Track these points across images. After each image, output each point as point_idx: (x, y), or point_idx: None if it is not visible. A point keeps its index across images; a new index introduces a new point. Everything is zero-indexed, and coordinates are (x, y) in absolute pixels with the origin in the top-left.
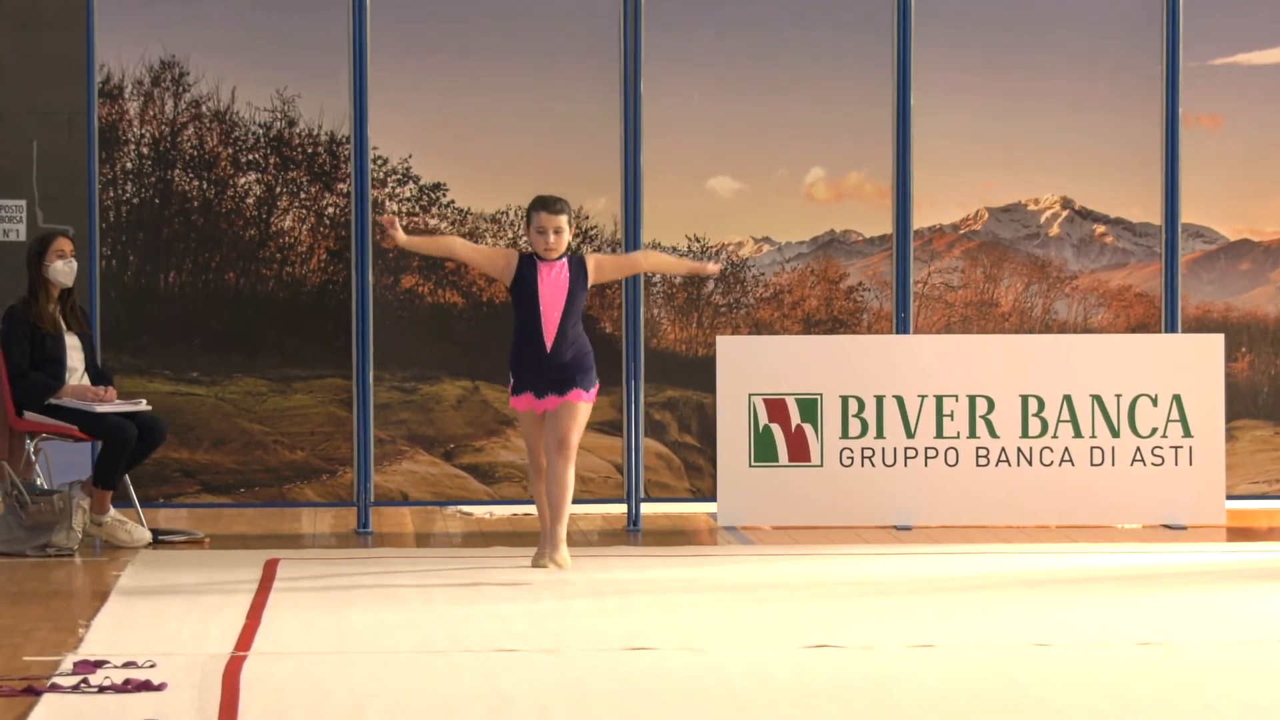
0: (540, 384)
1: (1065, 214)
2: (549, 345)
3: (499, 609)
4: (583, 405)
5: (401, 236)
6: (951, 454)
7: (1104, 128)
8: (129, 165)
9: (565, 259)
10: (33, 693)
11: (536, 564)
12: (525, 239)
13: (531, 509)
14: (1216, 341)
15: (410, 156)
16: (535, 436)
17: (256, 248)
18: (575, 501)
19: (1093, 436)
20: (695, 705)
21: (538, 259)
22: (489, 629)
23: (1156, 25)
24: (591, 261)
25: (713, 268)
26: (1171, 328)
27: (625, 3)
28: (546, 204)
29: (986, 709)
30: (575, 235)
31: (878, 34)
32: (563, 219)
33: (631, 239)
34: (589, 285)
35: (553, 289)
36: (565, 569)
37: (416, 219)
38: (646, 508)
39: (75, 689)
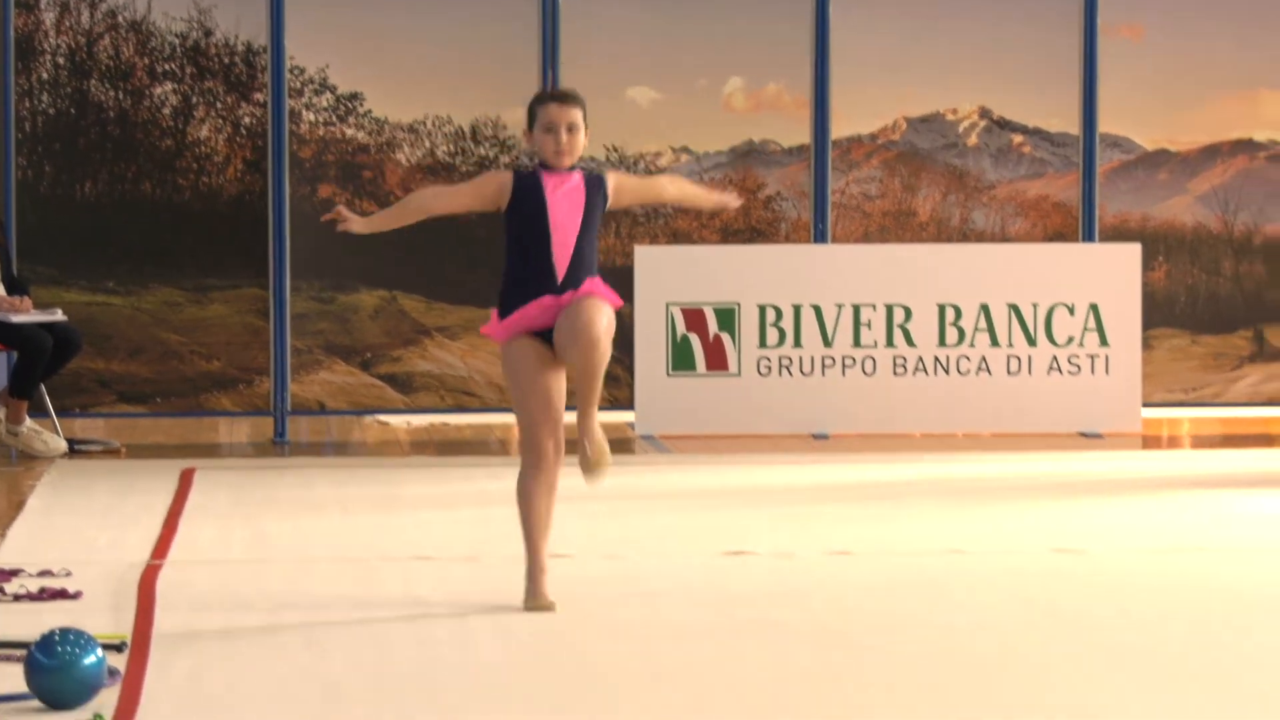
0: (528, 297)
1: (983, 124)
2: (560, 274)
3: (417, 517)
4: (606, 305)
5: (358, 222)
6: (869, 363)
7: (1023, 38)
8: (44, 76)
9: (579, 171)
10: None
11: (530, 606)
12: (521, 156)
13: (454, 419)
14: (1133, 251)
15: (327, 66)
16: (536, 380)
17: (173, 158)
18: (480, 410)
19: (1009, 345)
20: (614, 610)
21: (543, 170)
22: (407, 538)
23: None
24: (613, 180)
25: (736, 201)
26: (1089, 237)
27: None
28: (557, 95)
29: (904, 615)
30: (494, 145)
31: None
32: (577, 113)
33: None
34: (612, 205)
35: (566, 205)
36: (605, 462)
37: (333, 128)
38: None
39: None
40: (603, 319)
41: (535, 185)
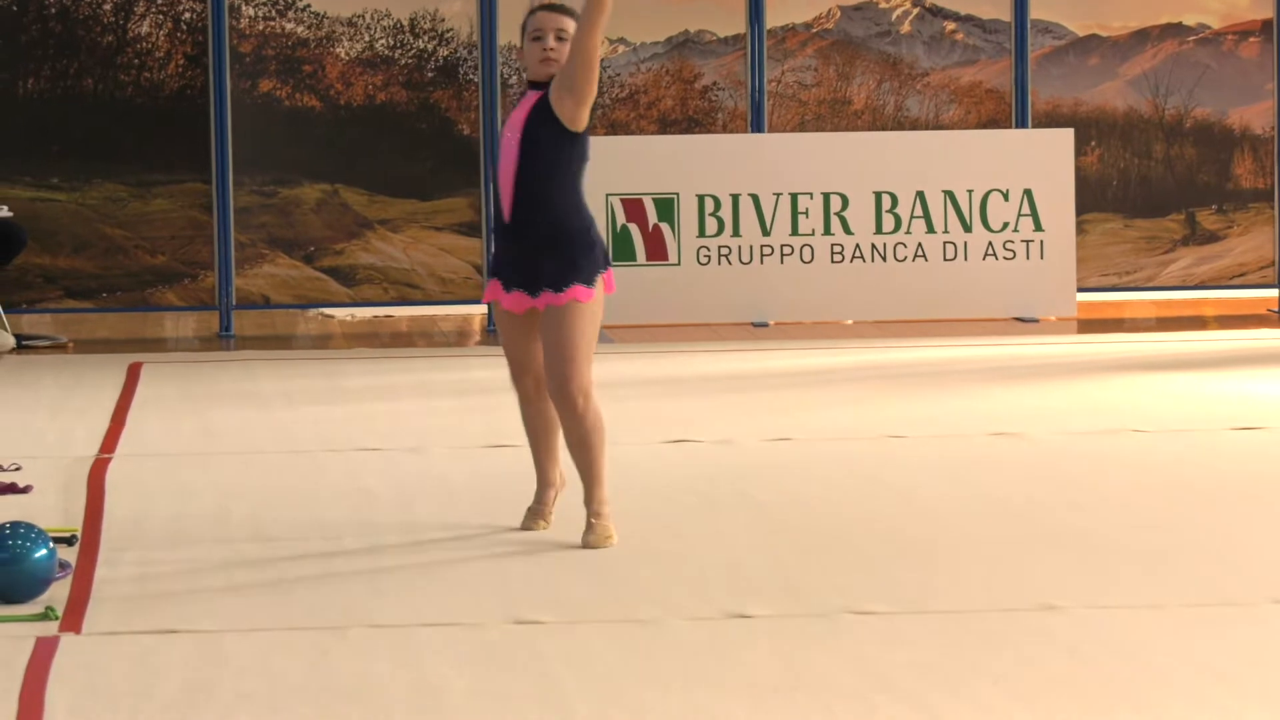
0: (506, 274)
1: (916, 11)
2: (507, 212)
3: (362, 409)
4: (571, 309)
5: None
6: (807, 251)
7: None
8: None
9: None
10: None
11: (526, 525)
12: (460, 49)
13: (397, 311)
14: (1066, 136)
15: None
16: (509, 344)
17: (114, 54)
18: (423, 304)
19: (945, 232)
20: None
21: (529, 89)
22: (352, 429)
23: None
24: (553, 81)
25: None
26: (1021, 123)
27: None
28: (546, 5)
29: (844, 499)
30: (432, 38)
31: None
32: (569, 21)
33: (486, 41)
34: (556, 113)
35: (511, 126)
36: (609, 544)
37: (273, 23)
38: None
39: None
40: (571, 363)
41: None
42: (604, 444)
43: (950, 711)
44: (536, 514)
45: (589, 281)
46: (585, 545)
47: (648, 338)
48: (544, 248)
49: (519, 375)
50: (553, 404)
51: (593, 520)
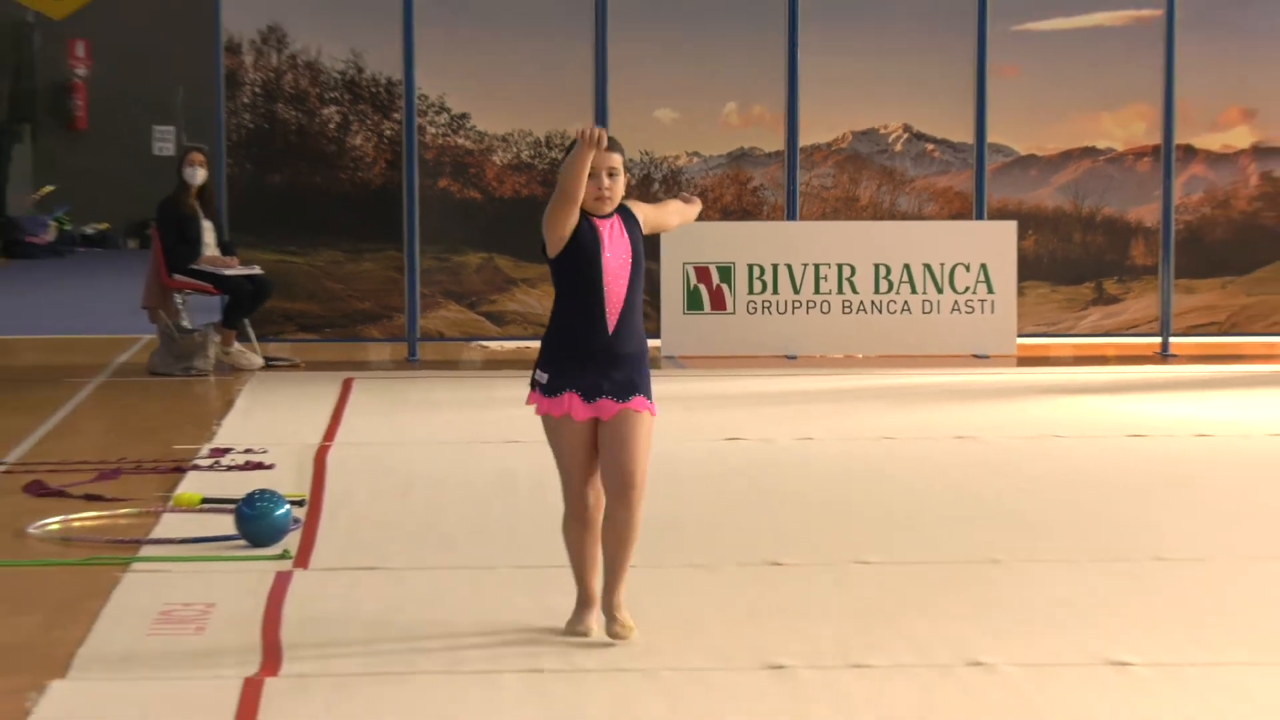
0: (591, 383)
1: (905, 135)
2: (611, 326)
3: (507, 413)
4: (647, 417)
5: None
6: (825, 305)
7: (933, 75)
8: (246, 100)
9: (616, 215)
10: (180, 470)
11: (572, 631)
12: None
13: (533, 344)
14: (1011, 226)
15: (444, 94)
16: (582, 456)
17: (336, 159)
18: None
19: (924, 293)
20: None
21: (589, 217)
22: (500, 427)
23: (974, 4)
24: (640, 211)
25: (698, 205)
26: (980, 216)
27: None
28: (608, 142)
29: (850, 481)
30: (562, 150)
31: (774, 10)
32: (618, 159)
33: None
34: (643, 226)
35: (617, 251)
36: (630, 635)
37: (448, 138)
38: None
39: (210, 468)
40: (643, 466)
41: (591, 229)
42: (633, 546)
43: (921, 631)
44: (583, 625)
45: (650, 395)
46: (613, 636)
47: (710, 365)
48: (636, 359)
49: (581, 484)
50: (614, 501)
51: (617, 615)
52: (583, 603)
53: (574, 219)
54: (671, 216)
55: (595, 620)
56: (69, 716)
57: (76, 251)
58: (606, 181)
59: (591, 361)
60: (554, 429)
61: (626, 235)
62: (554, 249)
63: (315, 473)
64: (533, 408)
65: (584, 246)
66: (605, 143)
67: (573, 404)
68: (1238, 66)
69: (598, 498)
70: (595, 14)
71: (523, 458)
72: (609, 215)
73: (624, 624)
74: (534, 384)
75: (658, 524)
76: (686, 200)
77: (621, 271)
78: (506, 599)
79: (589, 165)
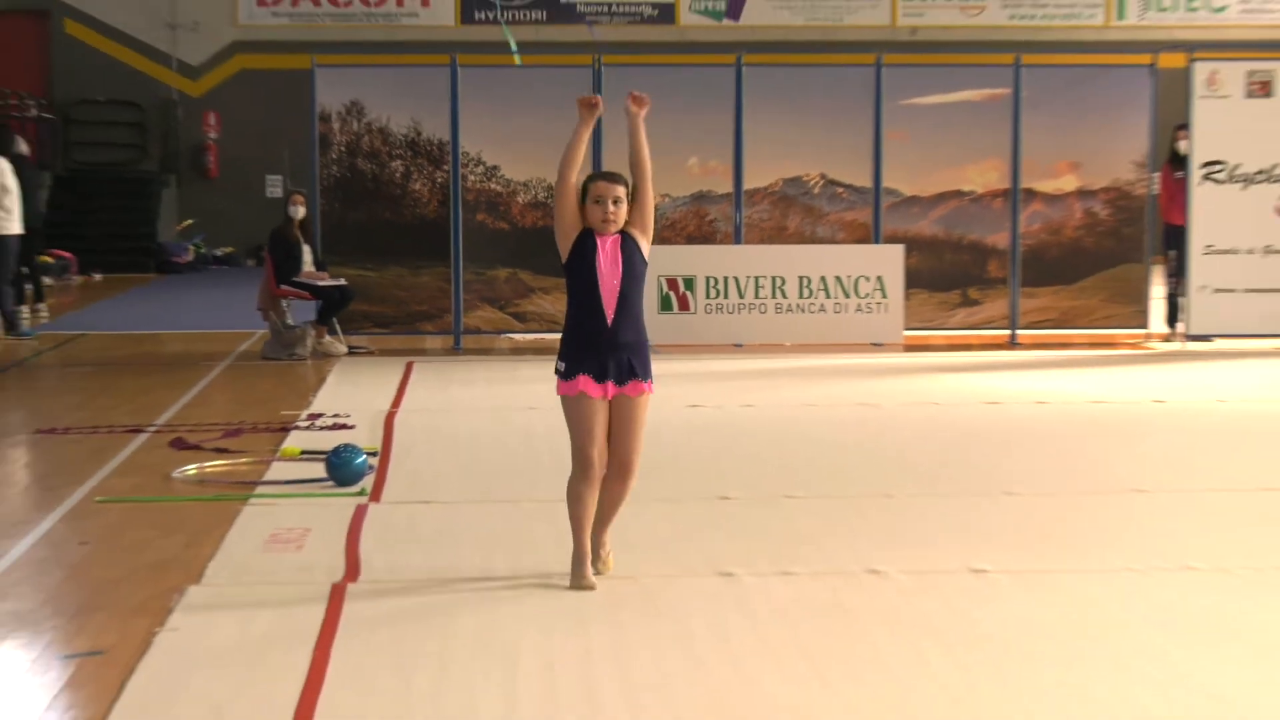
0: (598, 367)
1: (822, 182)
2: (609, 318)
3: (527, 388)
4: (644, 400)
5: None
6: (763, 306)
7: (844, 137)
8: (334, 156)
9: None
10: (285, 430)
11: (579, 586)
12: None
13: (548, 336)
14: (899, 249)
15: (481, 151)
16: (592, 425)
17: (400, 200)
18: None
19: (835, 297)
20: None
21: (595, 234)
22: (523, 398)
23: (872, 85)
24: (640, 235)
25: (636, 107)
26: (876, 241)
27: (594, 74)
28: (605, 174)
29: (783, 437)
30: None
31: (725, 91)
32: (621, 189)
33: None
34: (641, 250)
35: (611, 258)
36: (608, 570)
37: (484, 184)
38: None
39: (307, 428)
40: (640, 446)
41: (589, 242)
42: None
43: (832, 547)
44: (584, 579)
45: (647, 379)
46: (598, 574)
47: (678, 352)
48: (634, 347)
49: (592, 447)
50: (616, 468)
51: (600, 552)
52: (579, 558)
53: (571, 199)
54: (640, 174)
55: (590, 570)
56: (202, 612)
57: (209, 268)
58: (611, 207)
59: (596, 349)
60: (570, 406)
61: (621, 249)
62: (563, 247)
63: (385, 431)
64: (557, 391)
65: (584, 256)
66: (599, 105)
67: (586, 384)
68: (1065, 132)
69: (603, 464)
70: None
71: (540, 420)
72: (611, 235)
73: (605, 562)
74: (557, 373)
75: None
76: (634, 109)
77: (613, 275)
78: (528, 525)
79: (587, 132)
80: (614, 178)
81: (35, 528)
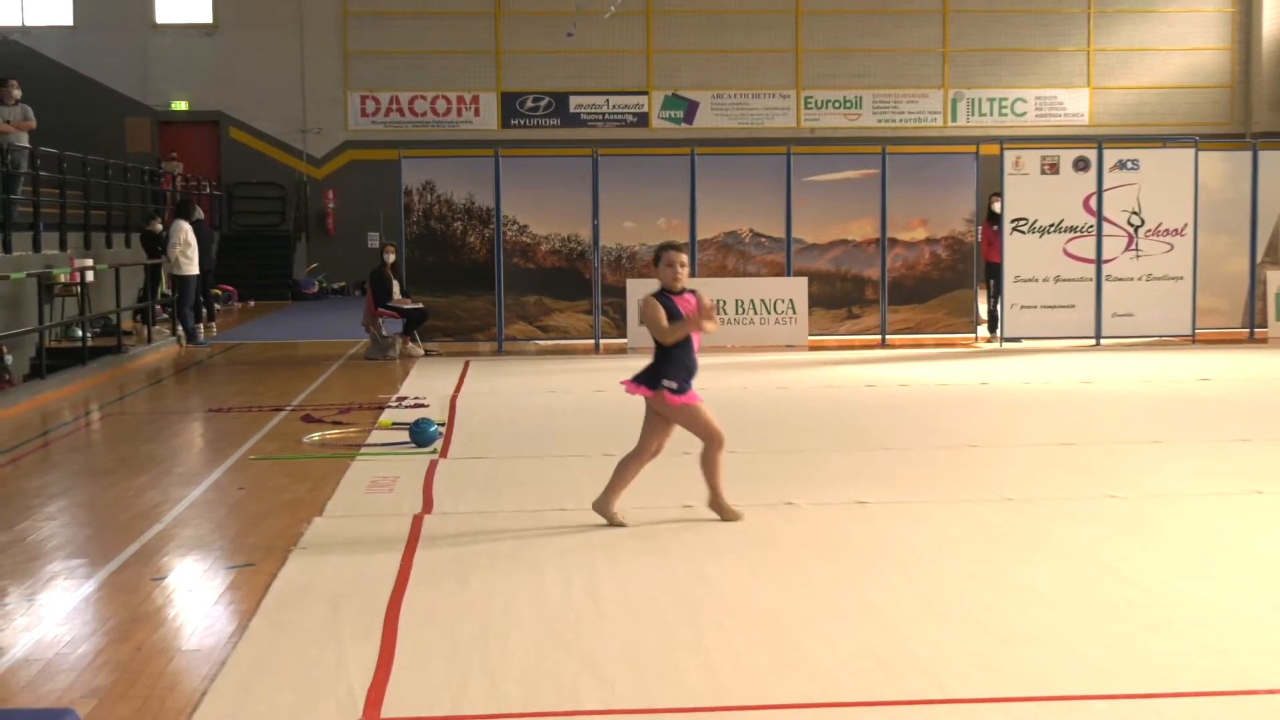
0: (690, 385)
1: (751, 233)
2: (696, 355)
3: (550, 378)
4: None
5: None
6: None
7: (765, 203)
8: (414, 219)
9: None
10: (381, 408)
11: (731, 517)
12: (586, 251)
13: (563, 343)
14: (804, 280)
15: (517, 215)
16: (710, 415)
17: (459, 248)
18: (572, 339)
19: (761, 314)
20: (609, 401)
21: (668, 292)
22: (548, 385)
23: (784, 168)
24: (699, 293)
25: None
26: (789, 275)
27: (593, 161)
28: (675, 245)
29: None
30: (577, 244)
31: (683, 172)
32: (685, 256)
33: (596, 246)
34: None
35: (689, 311)
36: (740, 517)
37: (519, 238)
38: (603, 342)
39: (396, 406)
40: (718, 432)
41: (670, 302)
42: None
43: (756, 487)
44: (607, 506)
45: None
46: (733, 519)
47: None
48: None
49: (719, 425)
50: (708, 445)
51: (727, 505)
52: (721, 501)
53: (662, 317)
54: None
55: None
56: (326, 536)
57: (328, 297)
58: (680, 271)
59: (691, 375)
60: (692, 410)
61: (696, 304)
62: (664, 339)
63: (450, 409)
64: (671, 401)
65: (675, 317)
66: (711, 324)
67: (693, 395)
68: (917, 199)
69: (658, 450)
70: (592, 176)
71: (561, 400)
72: (681, 292)
73: (733, 511)
74: (665, 388)
75: (615, 436)
76: (707, 310)
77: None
78: (550, 474)
79: (683, 334)
80: (680, 248)
81: (208, 478)
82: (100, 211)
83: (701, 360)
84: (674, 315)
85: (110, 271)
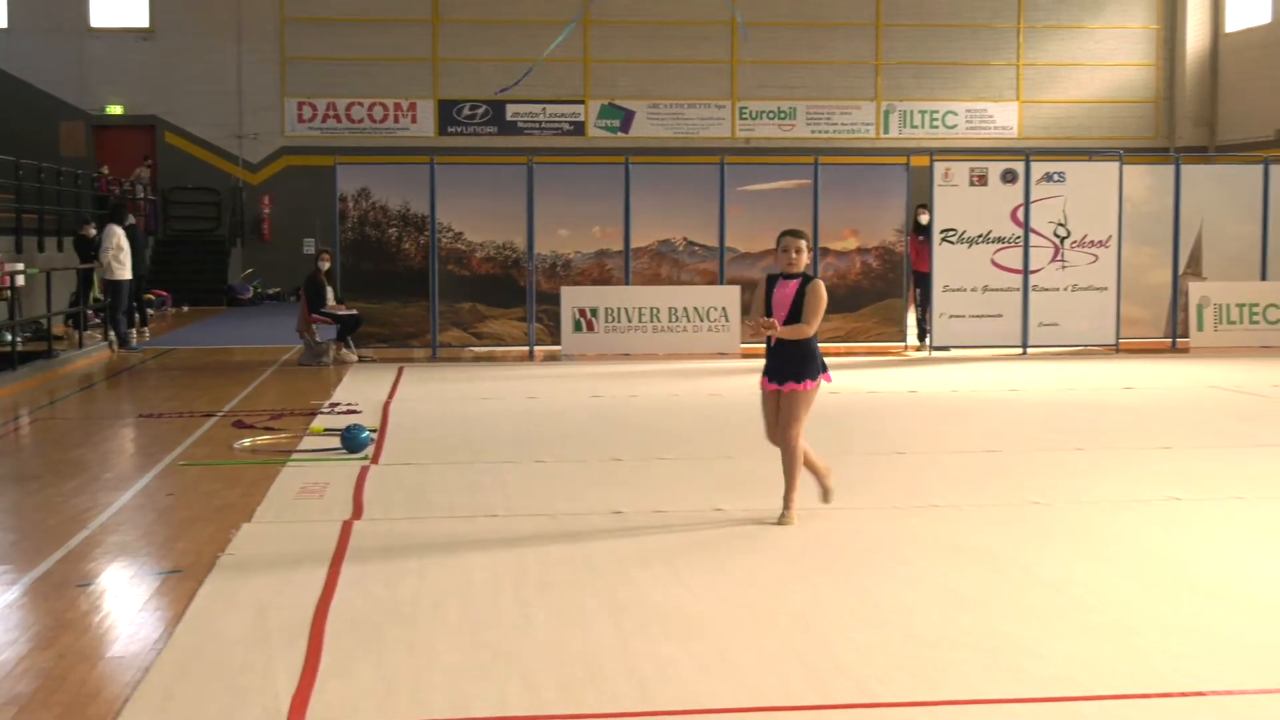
0: (769, 371)
1: (685, 242)
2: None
3: (484, 385)
4: (795, 394)
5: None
6: (645, 328)
7: (698, 212)
8: (349, 225)
9: (802, 277)
10: (313, 414)
11: (781, 521)
12: (525, 263)
13: (497, 349)
14: (736, 289)
15: (451, 222)
16: (768, 413)
17: (395, 256)
18: (505, 346)
19: (694, 321)
20: (573, 400)
21: (782, 276)
22: (480, 391)
23: (718, 176)
24: (813, 284)
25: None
26: (721, 284)
27: (528, 169)
28: (791, 231)
29: (656, 417)
30: (511, 251)
31: (619, 181)
32: (802, 242)
33: (531, 254)
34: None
35: (782, 297)
36: (791, 522)
37: (454, 244)
38: (537, 349)
39: (328, 412)
40: (793, 422)
41: (773, 284)
42: (799, 469)
43: (689, 489)
44: (788, 514)
45: (800, 380)
46: (780, 522)
47: (586, 361)
48: (790, 360)
49: (770, 428)
50: (781, 444)
51: (789, 508)
52: (790, 494)
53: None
54: (808, 323)
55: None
56: (254, 542)
57: (263, 303)
58: (794, 255)
59: (772, 359)
60: (808, 394)
61: (793, 291)
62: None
63: (383, 415)
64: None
65: (769, 294)
66: (767, 332)
67: (764, 384)
68: (848, 209)
69: (772, 434)
70: (527, 184)
71: (494, 406)
72: (794, 276)
73: (788, 517)
74: (826, 375)
75: (556, 437)
76: (769, 325)
77: (782, 308)
78: (486, 482)
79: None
80: (797, 233)
81: (137, 483)
82: (32, 215)
83: (632, 368)
84: (765, 297)
85: (42, 276)
